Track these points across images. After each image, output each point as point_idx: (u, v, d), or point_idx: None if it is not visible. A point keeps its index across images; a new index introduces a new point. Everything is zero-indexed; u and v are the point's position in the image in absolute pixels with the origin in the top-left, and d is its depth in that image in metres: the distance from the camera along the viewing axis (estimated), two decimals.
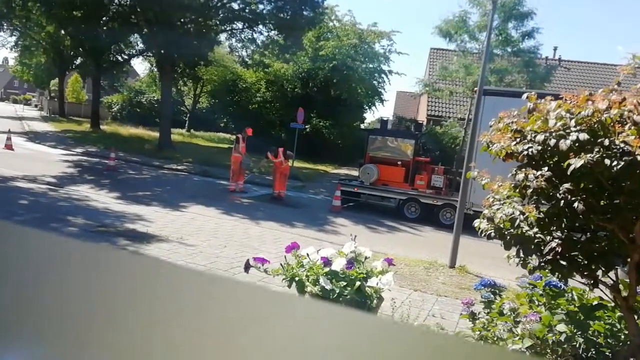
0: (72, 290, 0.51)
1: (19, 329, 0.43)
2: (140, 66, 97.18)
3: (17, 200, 8.52)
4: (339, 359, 0.43)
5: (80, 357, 0.41)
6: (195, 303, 0.51)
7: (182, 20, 19.75)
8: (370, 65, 27.85)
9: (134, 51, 29.18)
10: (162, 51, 20.00)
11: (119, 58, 29.75)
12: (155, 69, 29.15)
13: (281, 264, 3.57)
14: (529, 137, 3.03)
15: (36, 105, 47.48)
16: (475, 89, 9.46)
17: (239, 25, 22.58)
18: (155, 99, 33.98)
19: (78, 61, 33.87)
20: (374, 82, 28.46)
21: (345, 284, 3.25)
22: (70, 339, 0.43)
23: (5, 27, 28.79)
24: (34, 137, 20.69)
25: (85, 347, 0.42)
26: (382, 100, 30.11)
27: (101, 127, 27.16)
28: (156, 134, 22.22)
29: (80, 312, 0.47)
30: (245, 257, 4.75)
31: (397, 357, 0.45)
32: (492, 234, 3.25)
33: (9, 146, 15.52)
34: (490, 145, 3.28)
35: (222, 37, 24.03)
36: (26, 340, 0.42)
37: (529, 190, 2.99)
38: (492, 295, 4.01)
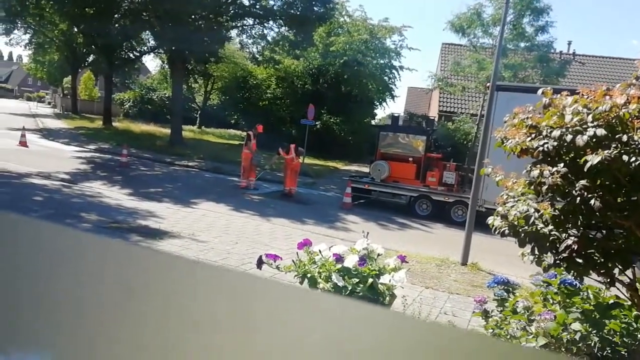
0: (86, 284, 0.51)
1: (33, 322, 0.43)
2: (152, 63, 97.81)
3: (31, 197, 8.64)
4: (352, 352, 0.43)
5: (94, 349, 0.41)
6: (209, 297, 0.51)
7: (192, 16, 19.83)
8: (381, 61, 27.74)
9: (145, 48, 29.40)
10: (173, 48, 20.11)
11: (131, 55, 29.98)
12: (167, 66, 29.36)
13: (293, 261, 3.57)
14: (544, 133, 2.99)
15: (49, 103, 48.06)
16: (488, 84, 9.37)
17: (250, 21, 22.62)
18: (166, 95, 34.22)
19: (90, 58, 34.19)
20: (385, 78, 28.35)
21: (357, 280, 3.25)
22: (83, 333, 0.43)
23: (19, 25, 29.17)
24: (48, 134, 20.96)
25: (98, 340, 0.42)
26: (393, 96, 30.04)
27: (113, 124, 27.41)
28: (167, 131, 22.37)
29: (94, 305, 0.47)
30: (256, 254, 4.77)
31: (409, 350, 0.45)
32: (506, 232, 3.22)
33: (23, 143, 15.75)
34: (505, 141, 3.25)
35: (233, 33, 24.12)
36: (39, 333, 0.42)
37: (544, 187, 2.96)
38: (505, 293, 3.97)
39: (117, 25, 23.19)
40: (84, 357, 0.41)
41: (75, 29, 27.00)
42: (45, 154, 15.16)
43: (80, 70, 37.25)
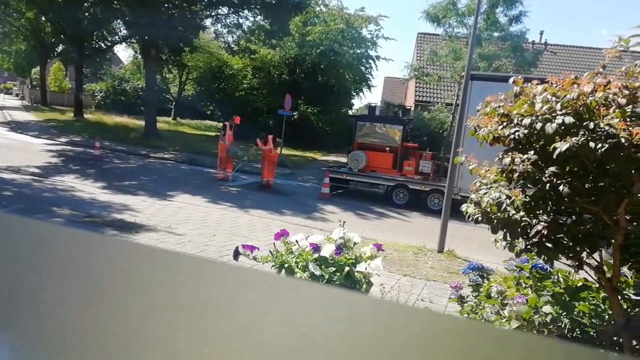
0: (64, 277, 0.51)
1: (15, 315, 0.43)
2: (124, 53, 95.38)
3: (0, 192, 8.38)
4: (330, 336, 0.44)
5: (81, 339, 0.41)
6: (189, 286, 0.51)
7: (165, 4, 19.40)
8: (358, 51, 27.71)
9: (117, 37, 28.65)
10: (146, 37, 19.66)
11: (102, 45, 29.20)
12: (139, 56, 28.70)
13: (270, 251, 3.57)
14: (515, 121, 3.04)
15: (17, 94, 46.50)
16: (463, 73, 9.48)
17: (224, 10, 22.26)
18: (139, 86, 33.50)
19: (60, 48, 33.17)
20: (362, 67, 28.36)
21: (334, 269, 3.27)
22: (64, 325, 0.43)
23: None
24: (16, 126, 20.31)
25: (84, 331, 0.42)
26: (369, 86, 30.09)
27: (85, 115, 26.74)
28: (141, 123, 21.95)
29: (72, 297, 0.47)
30: (234, 245, 4.75)
31: (386, 333, 0.46)
32: (480, 218, 3.28)
33: None
34: (478, 130, 3.29)
35: (207, 22, 23.71)
36: (21, 326, 0.42)
37: (516, 174, 3.02)
38: (479, 279, 4.06)
39: (87, 13, 22.50)
40: (72, 348, 0.40)
41: (43, 18, 26.12)
42: (14, 147, 14.70)
43: (49, 60, 36.10)
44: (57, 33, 27.19)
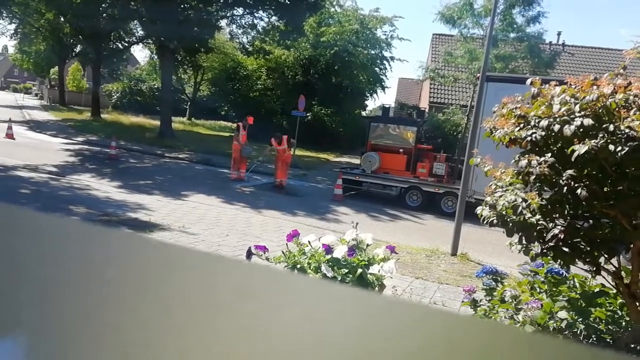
0: (75, 271, 0.52)
1: (25, 310, 0.43)
2: (141, 53, 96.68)
3: (18, 190, 8.54)
4: (343, 335, 0.44)
5: (84, 334, 0.42)
6: (202, 283, 0.52)
7: (182, 6, 19.60)
8: (372, 52, 27.67)
9: (134, 38, 29.04)
10: (162, 38, 19.88)
11: (119, 45, 29.61)
12: (156, 57, 29.04)
13: (282, 252, 3.58)
14: (532, 123, 3.00)
15: (36, 94, 47.36)
16: (478, 75, 9.40)
17: (240, 10, 22.40)
18: (155, 87, 33.90)
19: (78, 49, 33.71)
20: (376, 68, 28.31)
21: (347, 271, 3.26)
22: (74, 319, 0.44)
23: (4, 14, 28.63)
24: (35, 126, 20.68)
25: (89, 325, 0.43)
26: (383, 87, 30.02)
27: (102, 115, 27.13)
28: (157, 123, 22.19)
29: (83, 292, 0.48)
30: (247, 246, 4.77)
31: (399, 331, 0.45)
32: (495, 221, 3.24)
33: (10, 135, 15.52)
34: (494, 131, 3.26)
35: (223, 23, 23.89)
36: (31, 321, 0.42)
37: (532, 177, 2.98)
38: (493, 283, 4.01)
39: (104, 14, 22.85)
40: (83, 343, 0.41)
41: (62, 18, 26.56)
42: (33, 146, 14.97)
43: (67, 60, 36.75)
44: (75, 33, 27.64)
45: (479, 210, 3.43)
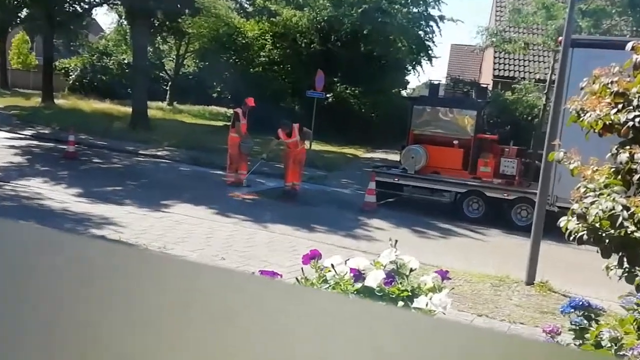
0: (62, 286, 0.58)
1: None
2: (106, 18, 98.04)
3: None
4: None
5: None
6: (207, 298, 0.57)
7: None
8: (415, 10, 27.59)
9: None
10: None
11: (77, 8, 30.05)
12: (125, 22, 29.44)
13: (297, 279, 3.60)
14: (635, 103, 2.98)
15: None
16: (560, 38, 9.30)
17: None
18: (125, 62, 34.39)
19: (24, 13, 34.36)
20: (420, 32, 28.19)
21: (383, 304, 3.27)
22: (62, 336, 0.49)
23: None
24: None
25: (80, 342, 0.48)
26: (430, 58, 29.84)
27: (56, 101, 27.63)
28: (128, 109, 22.53)
29: (73, 310, 0.53)
30: (249, 272, 4.81)
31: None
32: (585, 237, 3.22)
33: None
34: (582, 115, 3.24)
35: None
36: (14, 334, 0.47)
37: (636, 176, 2.95)
38: (585, 321, 3.97)
39: None
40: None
41: None
42: None
43: (10, 30, 37.51)
44: None
45: (563, 222, 3.40)
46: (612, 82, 3.16)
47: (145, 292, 0.58)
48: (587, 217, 3.17)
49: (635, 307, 3.90)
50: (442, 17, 28.11)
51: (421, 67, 31.48)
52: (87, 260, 0.64)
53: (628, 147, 3.04)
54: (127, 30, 30.34)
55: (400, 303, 3.25)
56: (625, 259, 3.12)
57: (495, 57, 25.03)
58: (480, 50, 24.56)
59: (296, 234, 9.29)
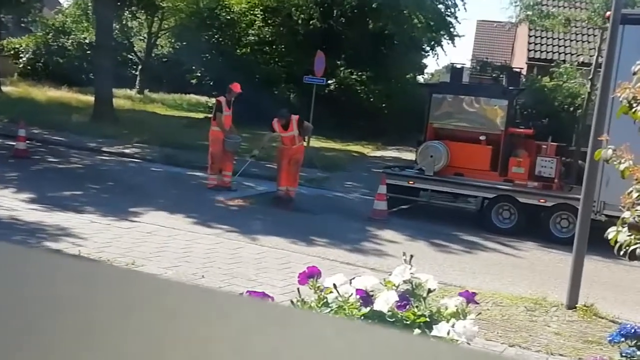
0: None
1: None
2: None
3: None
4: None
5: None
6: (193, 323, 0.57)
7: None
8: None
9: None
10: None
11: None
12: None
13: (292, 301, 3.60)
14: None
15: None
16: (608, 13, 9.30)
17: None
18: (87, 41, 34.40)
19: None
20: (440, 6, 28.22)
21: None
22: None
23: None
24: None
25: None
26: (452, 37, 29.85)
27: (3, 88, 27.63)
28: (90, 99, 22.52)
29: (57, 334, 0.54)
30: (235, 292, 4.80)
31: None
32: (638, 251, 3.22)
33: None
34: (634, 105, 3.24)
35: None
36: None
37: None
38: (638, 352, 3.97)
39: None
40: None
41: None
42: None
43: None
44: None
45: (611, 233, 3.40)
46: None
47: (110, 316, 0.57)
48: None
49: None
50: None
51: (441, 47, 31.48)
52: (41, 278, 0.64)
53: None
54: (89, 4, 30.37)
55: (417, 331, 3.25)
56: None
57: (530, 36, 25.06)
58: (512, 27, 24.59)
59: (291, 248, 9.27)
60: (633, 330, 4.12)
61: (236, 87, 13.19)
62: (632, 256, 3.31)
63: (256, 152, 13.77)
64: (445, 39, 29.84)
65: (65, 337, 0.53)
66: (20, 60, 36.06)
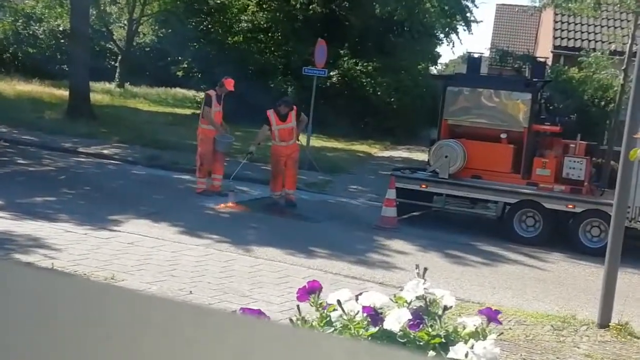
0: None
1: None
2: None
3: None
4: None
5: None
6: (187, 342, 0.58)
7: None
8: None
9: None
10: None
11: None
12: None
13: (291, 320, 3.60)
14: None
15: None
16: None
17: None
18: (61, 29, 34.46)
19: None
20: None
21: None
22: None
23: None
24: None
25: None
26: (468, 23, 29.90)
27: None
28: (65, 93, 22.54)
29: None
30: (226, 310, 4.80)
31: None
32: None
33: None
34: None
35: None
36: None
37: None
38: None
39: None
40: None
41: None
42: None
43: None
44: None
45: None
46: None
47: (86, 336, 0.57)
48: None
49: None
50: None
51: (457, 35, 31.50)
52: (6, 294, 0.64)
53: None
54: None
55: (432, 353, 3.25)
56: None
57: (556, 22, 25.07)
58: (535, 12, 24.61)
59: (289, 260, 9.27)
60: None
61: (229, 84, 13.09)
62: None
63: (253, 148, 13.69)
64: (461, 25, 29.87)
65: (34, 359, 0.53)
66: None
